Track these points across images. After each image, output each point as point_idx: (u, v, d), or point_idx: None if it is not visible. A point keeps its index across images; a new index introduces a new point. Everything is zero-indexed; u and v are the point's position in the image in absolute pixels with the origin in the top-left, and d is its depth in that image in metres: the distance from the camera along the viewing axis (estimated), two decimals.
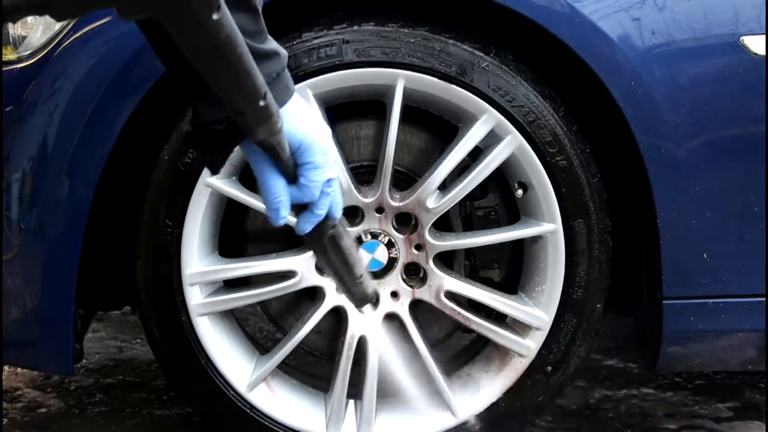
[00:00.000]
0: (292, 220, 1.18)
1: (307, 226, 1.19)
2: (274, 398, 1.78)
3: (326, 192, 1.17)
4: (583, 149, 1.71)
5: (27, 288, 1.69)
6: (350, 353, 1.74)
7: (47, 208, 1.66)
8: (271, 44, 1.11)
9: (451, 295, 1.75)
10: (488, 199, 1.82)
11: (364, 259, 1.72)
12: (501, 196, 1.81)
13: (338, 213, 1.22)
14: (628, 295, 1.86)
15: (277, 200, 1.14)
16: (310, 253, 1.71)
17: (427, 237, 1.72)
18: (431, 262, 1.74)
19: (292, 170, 1.15)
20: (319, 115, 1.17)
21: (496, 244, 1.78)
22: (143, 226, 1.70)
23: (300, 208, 1.18)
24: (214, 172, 1.18)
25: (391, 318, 1.76)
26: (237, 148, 1.15)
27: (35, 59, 1.66)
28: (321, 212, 1.18)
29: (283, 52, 1.13)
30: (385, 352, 1.68)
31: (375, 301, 1.37)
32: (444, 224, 1.79)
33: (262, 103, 1.01)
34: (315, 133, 1.15)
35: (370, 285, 1.33)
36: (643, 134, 1.66)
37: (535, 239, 1.75)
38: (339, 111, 1.75)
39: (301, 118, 1.14)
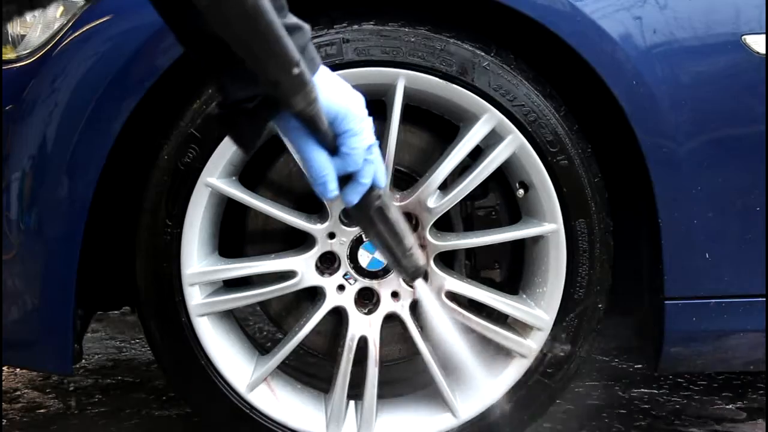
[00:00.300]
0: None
1: (354, 197, 1.18)
2: (274, 399, 1.77)
3: (369, 159, 1.17)
4: (584, 149, 1.70)
5: (27, 288, 1.69)
6: (350, 354, 1.74)
7: (47, 208, 1.66)
8: (294, 19, 1.11)
9: (452, 296, 1.74)
10: (489, 198, 1.81)
11: (365, 256, 1.72)
12: (502, 196, 1.81)
13: (382, 181, 1.21)
14: (629, 296, 1.85)
15: (323, 173, 1.14)
16: (310, 253, 1.71)
17: (428, 237, 1.71)
18: (432, 262, 1.73)
19: (331, 141, 1.14)
20: (348, 85, 1.18)
21: (497, 244, 1.77)
22: (143, 226, 1.69)
23: (344, 181, 1.17)
24: (247, 151, 1.17)
25: (392, 318, 1.76)
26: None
27: (34, 58, 1.65)
28: (366, 181, 1.17)
29: (306, 26, 1.13)
30: (438, 324, 1.63)
31: (423, 272, 1.36)
32: (445, 224, 1.78)
33: (296, 70, 1.02)
34: (349, 102, 1.15)
35: (421, 256, 1.32)
36: (645, 133, 1.65)
37: (536, 239, 1.75)
38: None
39: (333, 88, 1.14)
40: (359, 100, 1.17)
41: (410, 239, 1.29)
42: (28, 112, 1.64)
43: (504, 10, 1.63)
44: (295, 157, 1.61)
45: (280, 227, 1.76)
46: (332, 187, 1.15)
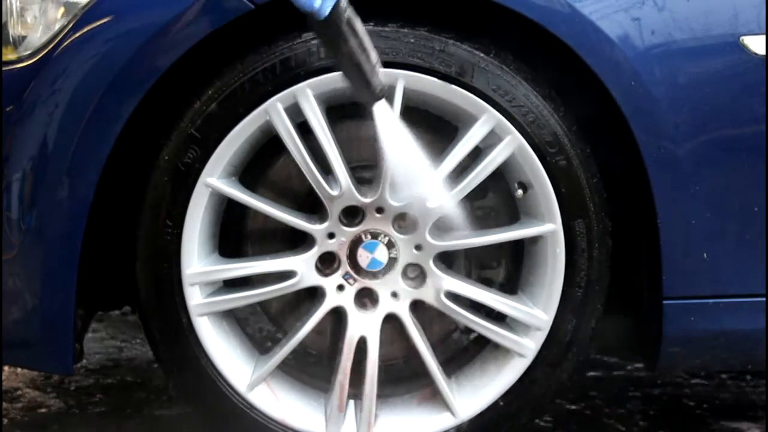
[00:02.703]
0: None
1: (326, 5, 1.16)
2: (274, 398, 1.78)
3: None
4: (582, 149, 1.71)
5: (27, 288, 1.69)
6: (350, 354, 1.74)
7: (47, 208, 1.66)
8: None
9: (452, 295, 1.75)
10: (488, 199, 1.82)
11: (365, 257, 1.73)
12: (501, 196, 1.81)
13: None
14: (628, 296, 1.86)
15: None
16: (310, 253, 1.71)
17: (427, 237, 1.72)
18: (431, 263, 1.74)
19: None
20: None
21: (496, 244, 1.78)
22: (143, 226, 1.70)
23: None
24: None
25: (392, 318, 1.76)
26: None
27: (35, 59, 1.66)
28: None
29: None
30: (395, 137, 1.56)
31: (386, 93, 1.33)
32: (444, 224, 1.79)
33: None
34: None
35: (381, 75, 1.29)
36: (644, 134, 1.66)
37: (535, 239, 1.75)
38: (339, 111, 1.75)
39: None
40: None
41: (375, 53, 1.26)
42: (29, 112, 1.65)
43: (503, 11, 1.64)
44: None
45: (280, 227, 1.76)
46: None
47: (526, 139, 1.68)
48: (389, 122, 1.52)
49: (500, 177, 1.77)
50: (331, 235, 1.72)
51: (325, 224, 1.71)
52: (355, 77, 1.28)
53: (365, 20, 1.64)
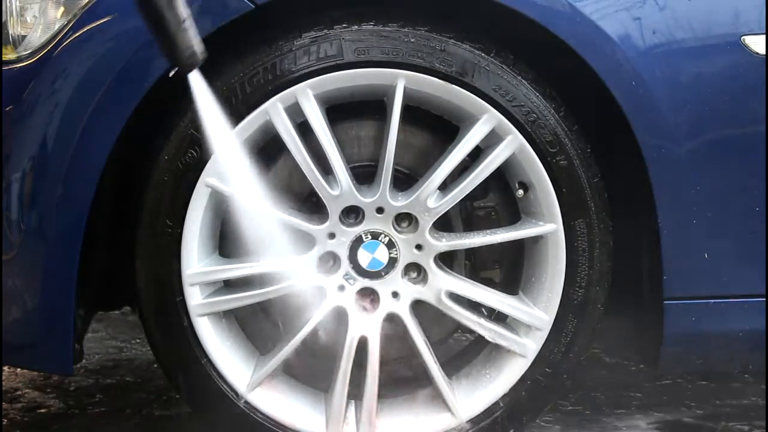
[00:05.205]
0: None
1: None
2: (274, 398, 1.78)
3: None
4: (583, 149, 1.70)
5: (27, 288, 1.69)
6: (350, 354, 1.74)
7: (47, 208, 1.66)
8: None
9: (452, 295, 1.74)
10: (489, 199, 1.81)
11: (365, 257, 1.72)
12: (501, 196, 1.81)
13: None
14: (629, 296, 1.85)
15: None
16: (310, 254, 1.71)
17: (428, 237, 1.72)
18: (432, 262, 1.73)
19: None
20: None
21: (496, 244, 1.77)
22: (143, 226, 1.69)
23: None
24: None
25: (392, 319, 1.76)
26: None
27: (35, 59, 1.66)
28: None
29: None
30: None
31: (200, 61, 1.17)
32: (444, 224, 1.78)
33: None
34: None
35: (197, 38, 1.14)
36: (644, 134, 1.66)
37: (536, 239, 1.75)
38: (339, 111, 1.75)
39: None
40: None
41: (185, 8, 1.14)
42: (29, 112, 1.65)
43: (504, 11, 1.64)
44: None
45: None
46: None
47: (526, 139, 1.68)
48: (203, 96, 1.43)
49: (501, 177, 1.77)
50: (331, 235, 1.72)
51: (326, 224, 1.71)
52: (156, 32, 1.16)
53: (366, 20, 1.65)
